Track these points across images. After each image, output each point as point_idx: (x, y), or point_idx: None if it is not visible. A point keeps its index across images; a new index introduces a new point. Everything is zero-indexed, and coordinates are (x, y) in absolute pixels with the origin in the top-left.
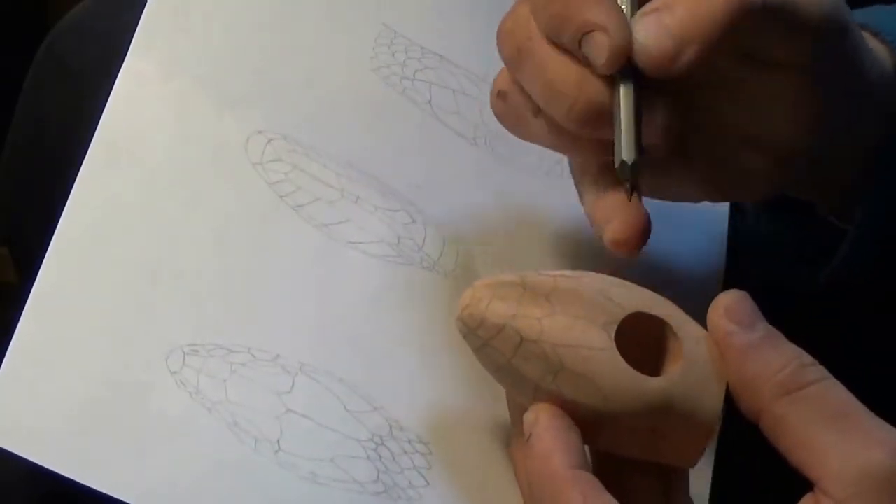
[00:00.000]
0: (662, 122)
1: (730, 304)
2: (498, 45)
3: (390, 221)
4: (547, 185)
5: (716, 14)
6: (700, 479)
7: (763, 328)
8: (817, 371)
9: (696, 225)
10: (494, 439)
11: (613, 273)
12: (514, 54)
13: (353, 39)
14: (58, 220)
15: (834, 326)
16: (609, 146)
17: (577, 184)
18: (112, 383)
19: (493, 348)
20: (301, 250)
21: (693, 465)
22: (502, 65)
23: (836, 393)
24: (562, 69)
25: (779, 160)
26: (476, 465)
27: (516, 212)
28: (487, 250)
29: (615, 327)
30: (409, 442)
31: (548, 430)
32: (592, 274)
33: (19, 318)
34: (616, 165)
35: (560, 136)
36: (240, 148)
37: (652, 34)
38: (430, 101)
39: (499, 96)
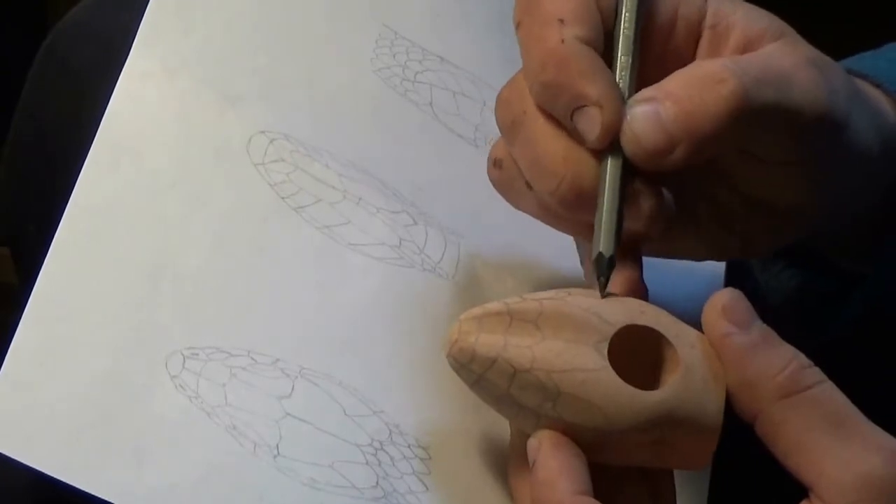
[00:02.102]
0: (648, 211)
1: (726, 304)
2: (495, 113)
3: (392, 223)
4: None
5: (711, 114)
6: (698, 482)
7: (759, 328)
8: (815, 374)
9: None
10: (494, 444)
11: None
12: (508, 126)
13: (355, 40)
14: (59, 221)
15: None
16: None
17: (581, 260)
18: (111, 387)
19: (489, 381)
20: (302, 252)
21: (702, 468)
22: (501, 69)
23: (834, 397)
24: (551, 145)
25: (786, 222)
26: (475, 470)
27: (517, 213)
28: (488, 252)
29: (607, 345)
30: (409, 447)
31: (552, 457)
32: (577, 291)
33: (20, 319)
34: (592, 257)
35: (550, 213)
36: (241, 148)
37: (645, 125)
38: (430, 103)
39: (495, 165)
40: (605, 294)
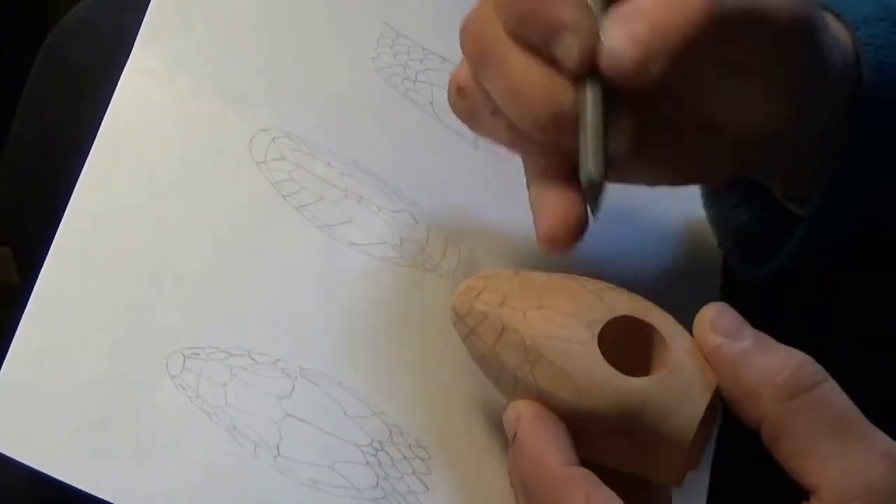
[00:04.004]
0: (627, 132)
1: (713, 318)
2: (461, 43)
3: (393, 222)
4: None
5: (685, 24)
6: (698, 484)
7: (751, 334)
8: (815, 372)
9: (694, 240)
10: (495, 444)
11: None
12: (477, 56)
13: (356, 39)
14: (60, 221)
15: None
16: (566, 150)
17: (526, 173)
18: (111, 387)
19: (478, 336)
20: (303, 251)
21: (677, 481)
22: None
23: (835, 398)
24: (528, 74)
25: (739, 145)
26: (476, 470)
27: (518, 214)
28: (490, 252)
29: (600, 326)
30: (409, 447)
31: (535, 428)
32: (590, 278)
33: (20, 319)
34: (582, 179)
35: (517, 137)
36: (243, 147)
37: (620, 43)
38: (431, 103)
39: (458, 93)
40: (596, 217)
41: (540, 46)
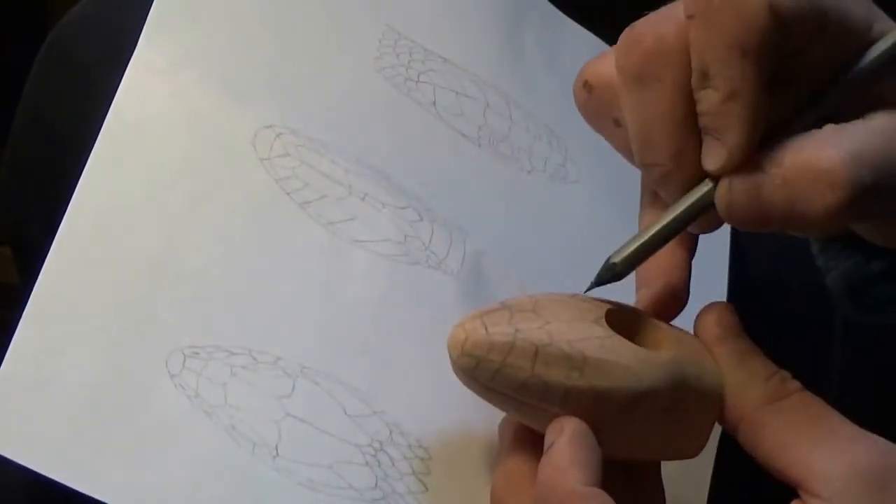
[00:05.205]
0: (708, 226)
1: (719, 314)
2: (621, 49)
3: (397, 220)
4: (550, 187)
5: (815, 211)
6: (699, 481)
7: (748, 338)
8: (796, 383)
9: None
10: (494, 444)
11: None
12: (634, 76)
13: (358, 39)
14: (61, 221)
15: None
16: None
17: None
18: (111, 386)
19: (510, 367)
20: (306, 249)
21: (699, 448)
22: (503, 70)
23: (816, 401)
24: (674, 129)
25: None
26: (476, 471)
27: (520, 212)
28: (493, 249)
29: (603, 320)
30: (409, 447)
31: (570, 444)
32: (560, 292)
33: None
34: (607, 262)
35: (628, 153)
36: (247, 143)
37: (742, 198)
38: (434, 103)
39: (584, 87)
40: (586, 290)
41: (701, 123)
